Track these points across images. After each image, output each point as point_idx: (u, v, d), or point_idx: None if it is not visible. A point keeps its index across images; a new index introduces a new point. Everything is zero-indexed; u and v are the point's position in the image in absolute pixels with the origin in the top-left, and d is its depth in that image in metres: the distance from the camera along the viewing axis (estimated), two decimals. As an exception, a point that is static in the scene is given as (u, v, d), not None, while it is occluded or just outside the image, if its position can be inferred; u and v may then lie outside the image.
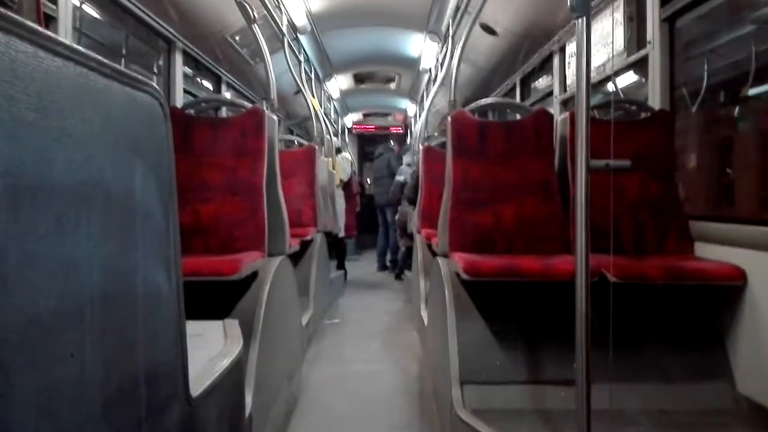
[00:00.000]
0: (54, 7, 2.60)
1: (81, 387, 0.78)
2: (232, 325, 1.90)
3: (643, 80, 3.47)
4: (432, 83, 6.99)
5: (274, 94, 3.67)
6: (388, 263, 8.40)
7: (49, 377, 0.71)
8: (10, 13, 0.67)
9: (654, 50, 3.05)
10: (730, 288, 2.33)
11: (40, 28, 0.72)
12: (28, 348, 0.67)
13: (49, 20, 2.60)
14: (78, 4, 3.18)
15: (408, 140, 11.19)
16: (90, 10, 3.44)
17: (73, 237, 0.78)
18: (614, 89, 3.83)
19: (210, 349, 1.61)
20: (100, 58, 0.85)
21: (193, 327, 1.38)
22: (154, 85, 1.04)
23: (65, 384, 0.75)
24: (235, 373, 1.61)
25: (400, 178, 7.23)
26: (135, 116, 0.99)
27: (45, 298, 0.71)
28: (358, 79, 9.94)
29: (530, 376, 2.43)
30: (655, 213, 2.79)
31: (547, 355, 2.47)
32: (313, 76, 7.40)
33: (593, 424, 1.62)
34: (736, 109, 3.21)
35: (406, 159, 7.74)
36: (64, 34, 2.66)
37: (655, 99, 3.01)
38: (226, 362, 1.49)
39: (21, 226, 0.67)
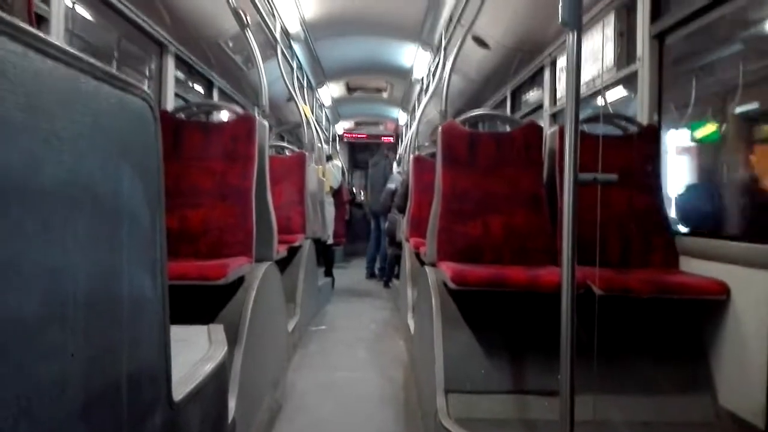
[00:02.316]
0: (47, 8, 2.59)
1: (63, 389, 0.78)
2: (217, 329, 1.89)
3: (633, 95, 3.50)
4: (423, 93, 7.01)
5: (265, 101, 3.67)
6: (376, 271, 8.37)
7: (31, 379, 0.71)
8: (0, 13, 0.67)
9: (643, 66, 3.08)
10: (714, 302, 2.36)
11: (30, 29, 0.72)
12: (9, 350, 0.67)
13: (41, 21, 2.59)
14: (71, 6, 3.18)
15: (399, 149, 11.21)
16: (83, 12, 3.44)
17: (59, 239, 0.77)
18: (603, 104, 3.86)
19: (194, 353, 1.60)
20: (90, 60, 0.85)
21: (177, 331, 1.37)
22: (144, 88, 1.05)
23: (47, 386, 0.74)
24: (219, 378, 1.60)
25: (391, 186, 7.22)
26: (124, 119, 0.99)
27: (29, 300, 0.71)
28: (351, 87, 9.97)
29: (515, 386, 2.44)
30: (641, 227, 2.81)
31: (531, 366, 2.47)
32: (305, 83, 7.41)
33: (576, 435, 1.63)
34: (723, 126, 3.25)
35: (397, 168, 7.75)
36: (56, 35, 2.65)
37: (644, 114, 3.04)
38: (209, 367, 1.49)
39: (6, 227, 0.67)
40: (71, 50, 0.81)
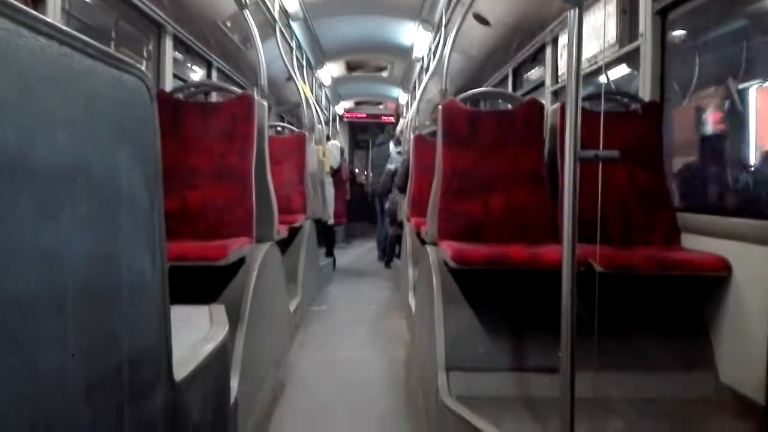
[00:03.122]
0: (42, -13, 2.56)
1: (63, 371, 0.78)
2: (218, 310, 1.89)
3: (635, 72, 3.47)
4: (424, 72, 6.97)
5: (264, 80, 3.64)
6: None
7: (30, 361, 0.71)
8: None
9: (646, 43, 3.05)
10: (715, 279, 2.36)
11: (22, 6, 0.71)
12: (9, 333, 0.67)
13: (38, 1, 2.57)
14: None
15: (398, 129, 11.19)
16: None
17: (55, 220, 0.77)
18: (606, 81, 3.84)
19: (195, 333, 1.61)
20: (84, 38, 0.84)
21: (179, 312, 1.38)
22: (141, 67, 1.03)
23: (47, 368, 0.74)
24: (221, 358, 1.61)
25: (391, 166, 7.18)
26: (120, 98, 0.98)
27: (26, 282, 0.70)
28: (350, 66, 9.90)
29: (515, 363, 2.45)
30: (642, 204, 2.80)
31: (532, 343, 2.48)
32: (304, 62, 7.36)
33: (577, 411, 1.64)
34: (726, 103, 3.21)
35: (397, 147, 7.71)
36: (53, 15, 2.62)
37: (646, 91, 3.02)
38: (210, 347, 1.49)
39: (0, 209, 0.66)
40: (65, 28, 0.80)
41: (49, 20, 0.76)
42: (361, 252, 8.90)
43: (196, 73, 5.39)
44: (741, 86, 3.02)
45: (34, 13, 0.74)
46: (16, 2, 0.70)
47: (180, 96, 3.31)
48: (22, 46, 0.71)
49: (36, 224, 0.72)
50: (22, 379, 0.69)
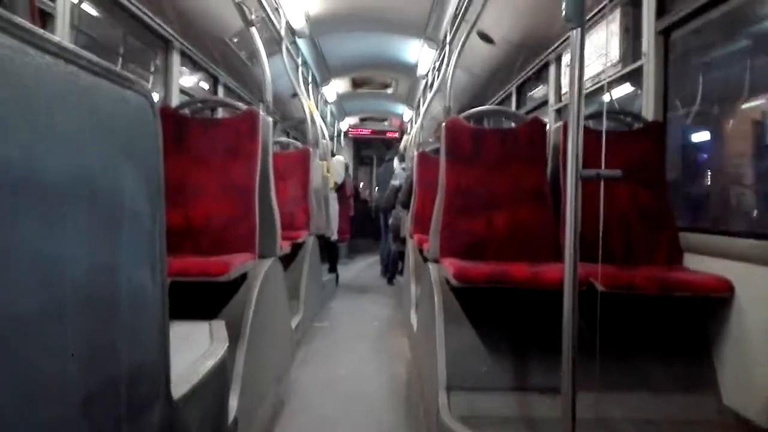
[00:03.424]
0: (52, 4, 2.59)
1: (61, 385, 0.78)
2: (219, 326, 1.89)
3: (638, 91, 3.49)
4: (428, 89, 7.00)
5: (269, 96, 3.67)
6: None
7: (29, 375, 0.71)
8: None
9: (648, 62, 3.06)
10: (718, 300, 2.35)
11: (28, 25, 0.72)
12: (8, 346, 0.67)
13: (47, 18, 2.60)
14: (77, 2, 3.18)
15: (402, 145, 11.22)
16: (89, 9, 3.44)
17: (58, 235, 0.77)
18: (609, 99, 3.85)
19: (195, 350, 1.60)
20: (89, 55, 0.85)
21: (179, 328, 1.38)
22: (145, 83, 1.04)
23: (45, 382, 0.74)
24: (220, 375, 1.60)
25: (395, 182, 7.19)
26: (124, 115, 0.99)
27: (27, 296, 0.71)
28: (356, 83, 9.95)
29: (517, 383, 2.43)
30: (645, 223, 2.80)
31: (534, 363, 2.47)
32: (310, 79, 7.40)
33: (578, 432, 1.63)
34: (731, 123, 3.22)
35: (401, 164, 7.72)
36: (62, 31, 2.65)
37: (649, 110, 3.03)
38: (210, 364, 1.49)
39: (4, 222, 0.67)
40: (70, 46, 0.81)
41: (55, 39, 0.77)
42: (363, 268, 8.88)
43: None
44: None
45: (41, 31, 0.75)
46: (23, 21, 0.71)
47: (186, 111, 3.33)
48: (28, 64, 0.72)
49: (39, 236, 0.73)
50: (21, 390, 0.69)
